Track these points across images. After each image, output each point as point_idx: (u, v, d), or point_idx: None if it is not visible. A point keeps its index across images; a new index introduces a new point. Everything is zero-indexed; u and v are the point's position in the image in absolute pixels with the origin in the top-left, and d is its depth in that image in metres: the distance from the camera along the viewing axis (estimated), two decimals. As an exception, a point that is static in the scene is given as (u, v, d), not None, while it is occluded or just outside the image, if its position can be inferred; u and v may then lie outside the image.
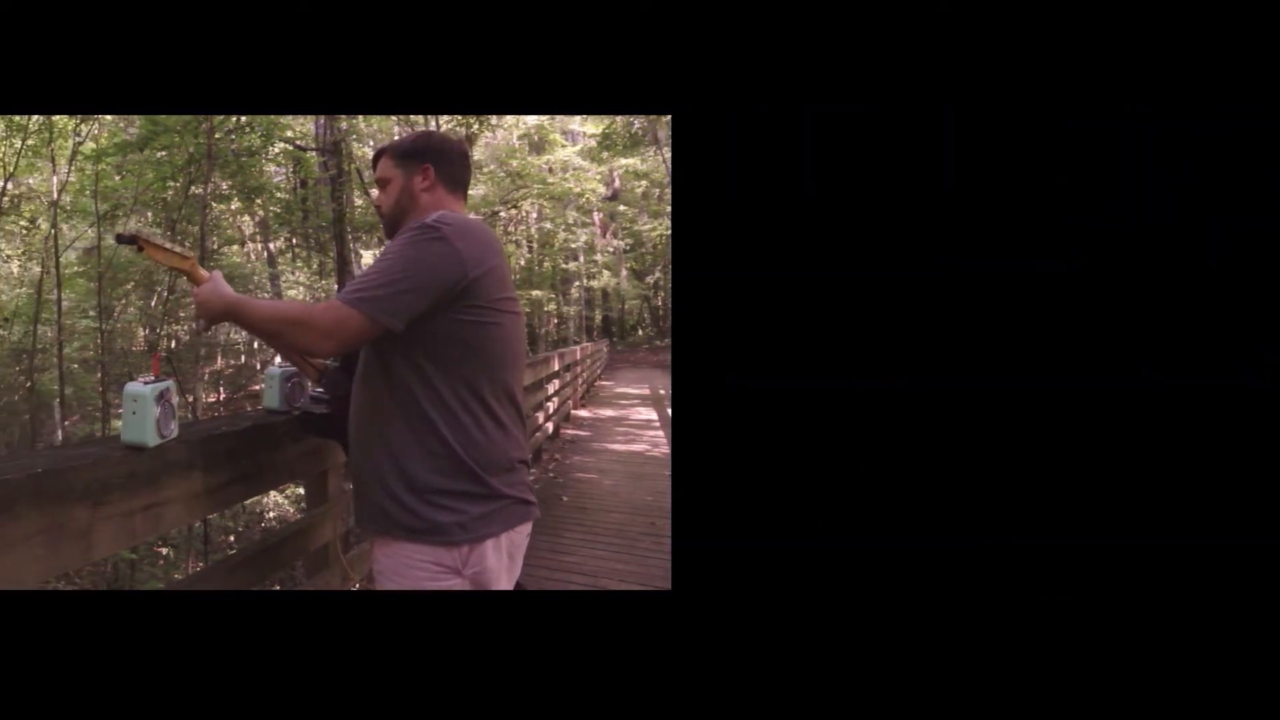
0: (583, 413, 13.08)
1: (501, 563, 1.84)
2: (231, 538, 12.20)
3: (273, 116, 12.57)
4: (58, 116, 11.65)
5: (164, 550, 11.14)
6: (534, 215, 27.37)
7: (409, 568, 1.77)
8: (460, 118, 14.06)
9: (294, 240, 20.92)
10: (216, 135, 11.87)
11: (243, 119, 12.16)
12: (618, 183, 32.95)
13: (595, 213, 32.59)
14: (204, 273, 1.86)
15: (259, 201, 15.50)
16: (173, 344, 15.65)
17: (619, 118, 22.83)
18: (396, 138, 2.50)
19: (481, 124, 15.11)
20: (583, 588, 4.49)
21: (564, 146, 24.38)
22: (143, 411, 1.68)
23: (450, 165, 1.98)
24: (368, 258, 16.69)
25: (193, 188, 12.24)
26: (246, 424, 2.15)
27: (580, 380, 13.94)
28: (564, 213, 27.50)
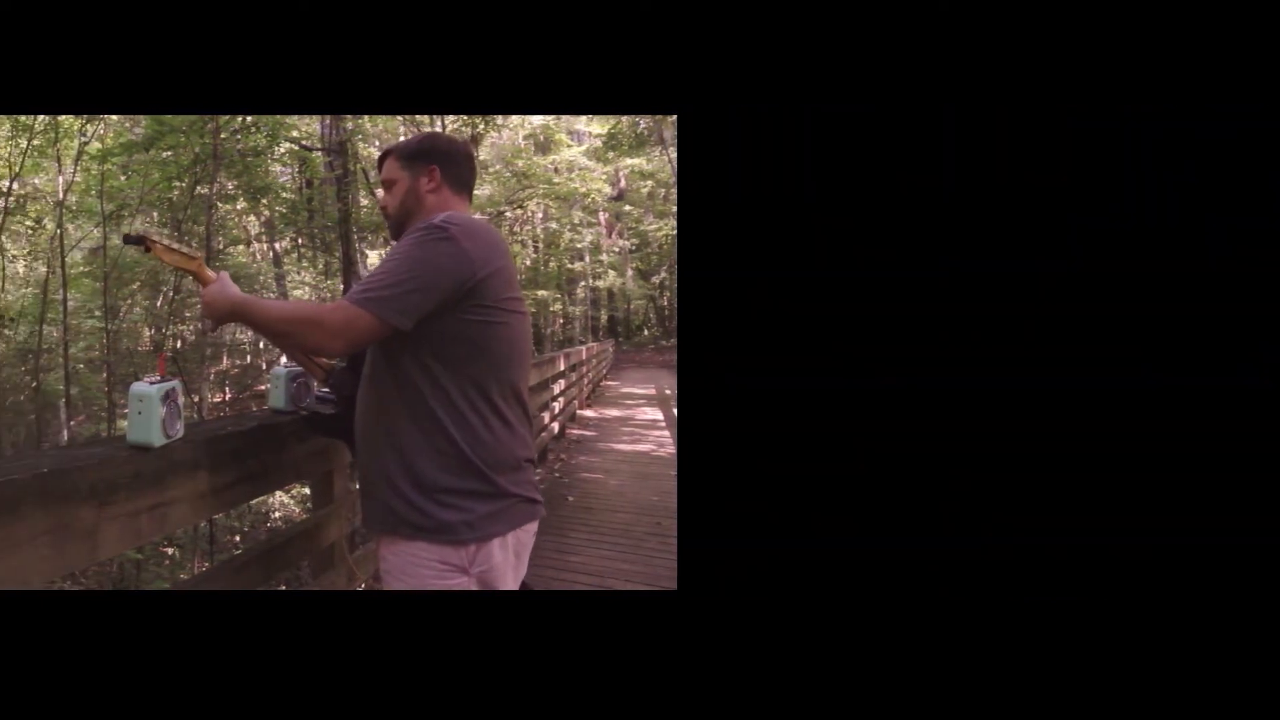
0: (588, 413, 13.08)
1: (508, 561, 1.85)
2: (237, 538, 12.22)
3: (278, 116, 12.57)
4: (63, 116, 11.69)
5: (170, 550, 11.16)
6: (540, 215, 27.39)
7: (416, 566, 1.78)
8: (466, 118, 14.07)
9: (299, 240, 20.94)
10: (222, 135, 11.87)
11: (248, 119, 12.15)
12: (623, 183, 32.93)
13: (601, 213, 32.60)
14: (211, 273, 1.87)
15: (264, 201, 15.50)
16: (178, 344, 15.65)
17: (624, 118, 22.81)
18: (402, 139, 2.51)
19: (487, 124, 15.12)
20: (589, 588, 4.48)
21: (569, 146, 24.36)
22: (148, 411, 1.68)
23: (456, 167, 1.99)
24: (373, 258, 16.71)
25: (198, 188, 12.27)
26: (252, 424, 2.16)
27: (586, 380, 13.94)
28: (570, 213, 27.51)
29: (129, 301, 14.72)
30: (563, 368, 9.77)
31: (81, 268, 14.82)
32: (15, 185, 12.60)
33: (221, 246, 14.81)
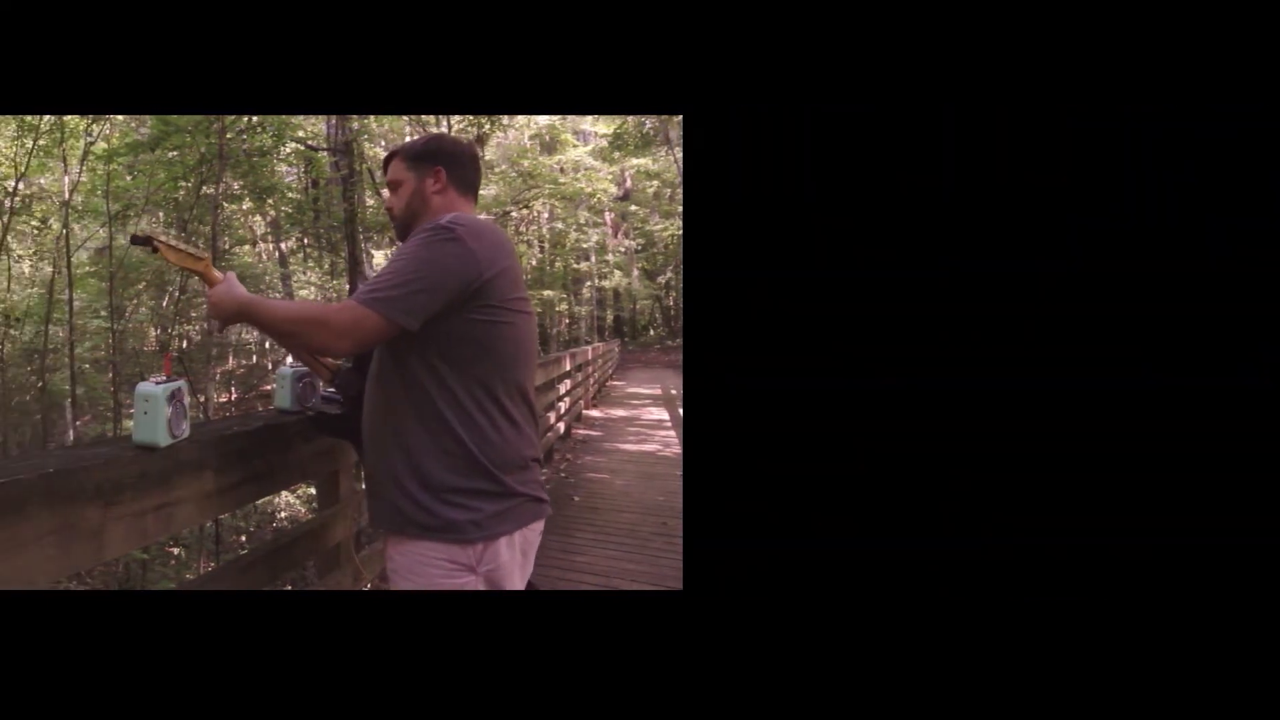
0: (594, 413, 13.08)
1: (515, 560, 1.86)
2: (243, 538, 12.23)
3: (284, 116, 12.58)
4: (69, 116, 11.73)
5: (176, 550, 11.18)
6: (545, 215, 27.43)
7: (424, 565, 1.79)
8: (472, 118, 14.10)
9: (306, 240, 21.01)
10: (228, 135, 11.91)
11: (254, 119, 12.19)
12: (629, 183, 32.91)
13: (607, 213, 32.58)
14: (218, 274, 1.87)
15: (271, 201, 15.54)
16: (184, 344, 15.71)
17: (630, 118, 22.83)
18: (408, 139, 2.52)
19: (493, 124, 15.15)
20: (595, 588, 4.48)
21: (575, 146, 24.41)
22: (154, 411, 1.69)
23: (461, 168, 1.99)
24: (379, 258, 16.73)
25: (204, 188, 12.30)
26: (258, 424, 2.17)
27: (592, 380, 13.93)
28: (575, 213, 27.52)
29: (135, 301, 14.77)
30: (568, 368, 9.77)
31: (87, 268, 14.85)
32: (21, 185, 12.63)
33: (227, 246, 14.83)
